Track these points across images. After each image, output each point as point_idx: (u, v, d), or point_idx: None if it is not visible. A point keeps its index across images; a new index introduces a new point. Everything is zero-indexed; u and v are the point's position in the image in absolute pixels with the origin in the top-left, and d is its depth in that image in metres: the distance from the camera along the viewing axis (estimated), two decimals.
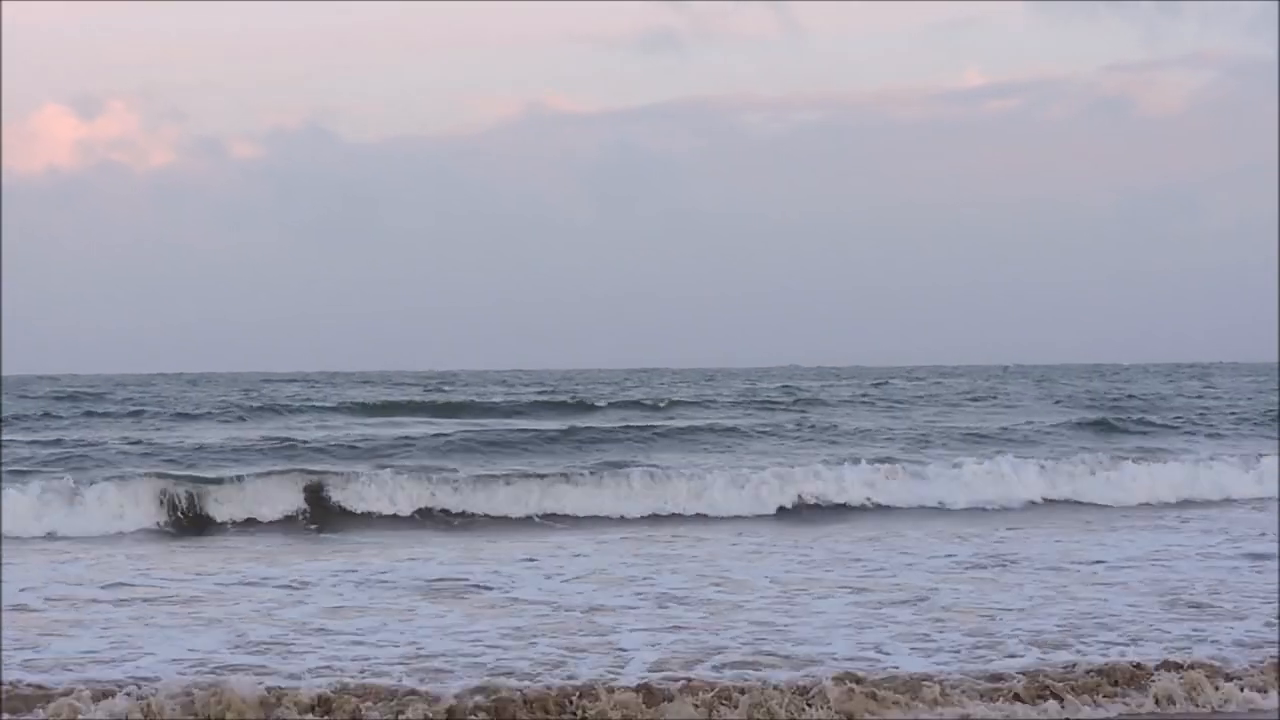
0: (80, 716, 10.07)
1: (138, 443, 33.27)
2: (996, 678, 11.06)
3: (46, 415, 45.15)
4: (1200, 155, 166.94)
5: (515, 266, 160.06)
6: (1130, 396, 58.14)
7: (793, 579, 16.15)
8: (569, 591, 15.49)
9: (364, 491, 24.17)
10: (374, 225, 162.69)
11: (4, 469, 26.22)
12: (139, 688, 10.46)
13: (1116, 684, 10.98)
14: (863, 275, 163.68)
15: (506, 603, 14.75)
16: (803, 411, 47.28)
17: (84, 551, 19.32)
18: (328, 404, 52.54)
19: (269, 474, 25.12)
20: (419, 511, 23.93)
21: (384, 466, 26.38)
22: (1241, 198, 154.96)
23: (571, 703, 10.36)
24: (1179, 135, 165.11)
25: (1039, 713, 10.59)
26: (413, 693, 10.46)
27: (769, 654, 12.01)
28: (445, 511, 24.00)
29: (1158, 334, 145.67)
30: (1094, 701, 10.76)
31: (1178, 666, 11.26)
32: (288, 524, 22.98)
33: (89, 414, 46.69)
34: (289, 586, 15.79)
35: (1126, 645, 12.29)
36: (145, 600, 14.95)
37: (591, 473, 25.76)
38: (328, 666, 11.55)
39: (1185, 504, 25.71)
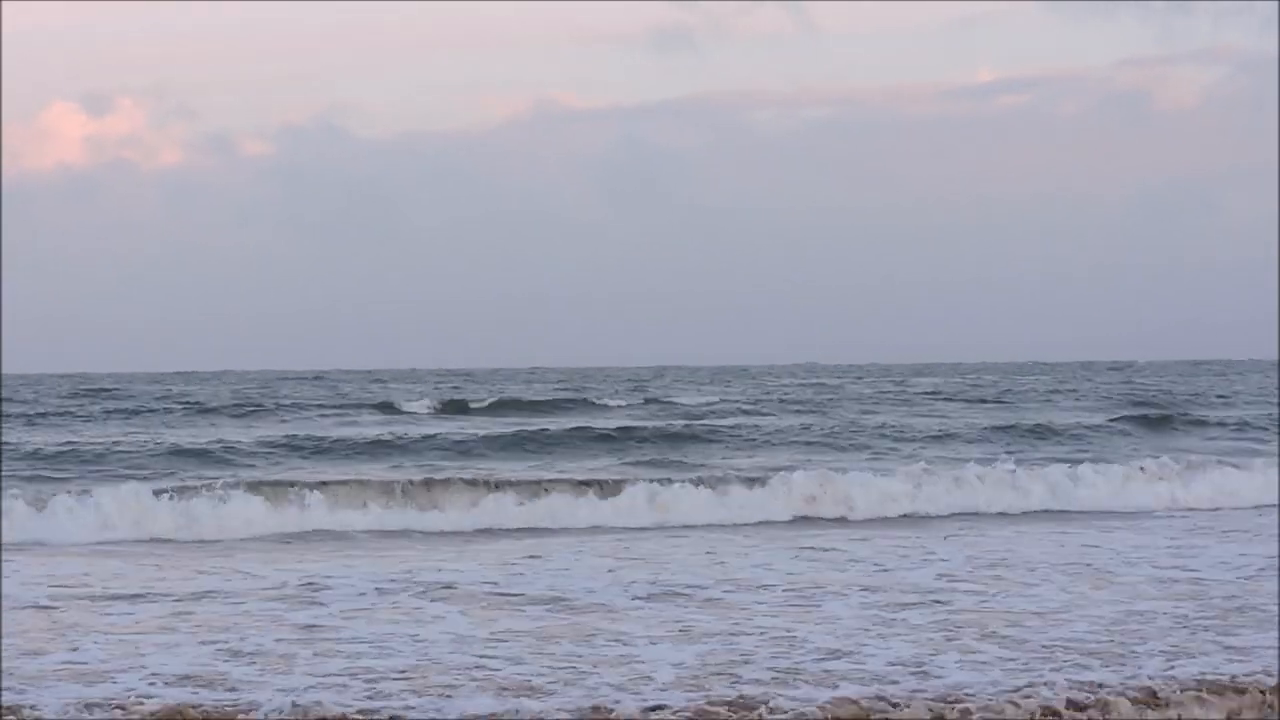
0: None
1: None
2: None
3: (46, 415, 43.92)
4: (1214, 151, 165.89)
5: (526, 263, 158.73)
6: (1166, 392, 57.02)
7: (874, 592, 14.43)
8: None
9: None
10: (384, 222, 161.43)
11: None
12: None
13: None
14: (874, 271, 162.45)
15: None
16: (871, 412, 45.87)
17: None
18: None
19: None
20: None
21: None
22: (1255, 193, 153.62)
23: None
24: (1192, 131, 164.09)
25: None
26: None
27: (903, 681, 10.29)
28: None
29: (1171, 331, 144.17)
30: None
31: None
32: None
33: (108, 412, 45.68)
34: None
35: None
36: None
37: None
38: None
39: None
